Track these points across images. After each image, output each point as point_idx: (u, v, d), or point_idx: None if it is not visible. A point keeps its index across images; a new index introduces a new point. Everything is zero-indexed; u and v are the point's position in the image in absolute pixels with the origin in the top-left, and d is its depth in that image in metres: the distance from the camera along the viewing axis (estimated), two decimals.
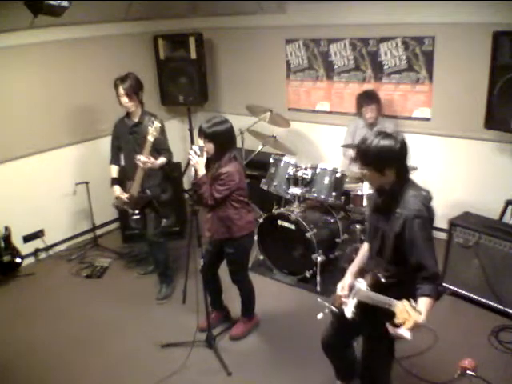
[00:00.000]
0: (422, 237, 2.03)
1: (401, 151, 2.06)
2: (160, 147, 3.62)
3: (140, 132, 3.59)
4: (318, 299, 2.29)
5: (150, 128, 3.35)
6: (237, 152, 3.08)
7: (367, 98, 4.23)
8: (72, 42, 4.58)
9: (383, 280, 2.16)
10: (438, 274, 2.05)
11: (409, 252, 2.05)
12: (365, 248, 2.42)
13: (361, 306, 2.18)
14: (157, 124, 3.34)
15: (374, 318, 2.10)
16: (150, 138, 3.38)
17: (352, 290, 2.25)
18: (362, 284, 2.21)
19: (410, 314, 1.83)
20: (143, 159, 3.44)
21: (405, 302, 1.87)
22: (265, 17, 5.11)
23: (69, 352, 3.34)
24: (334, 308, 2.31)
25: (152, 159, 3.50)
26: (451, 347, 3.15)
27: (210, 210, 3.12)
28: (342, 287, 2.31)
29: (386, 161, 2.05)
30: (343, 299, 2.27)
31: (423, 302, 1.95)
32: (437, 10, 4.05)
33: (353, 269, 2.38)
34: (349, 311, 2.20)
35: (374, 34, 4.50)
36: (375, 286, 2.16)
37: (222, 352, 3.20)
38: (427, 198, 2.12)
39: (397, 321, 1.86)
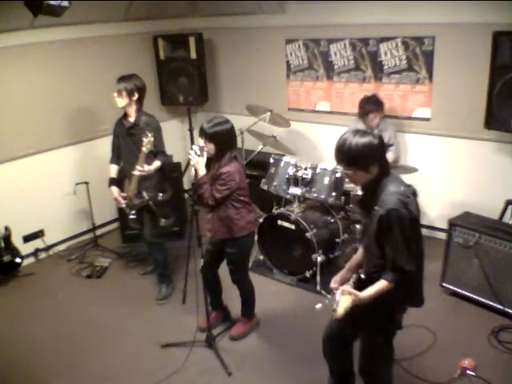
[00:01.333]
0: (396, 232, 2.04)
1: (380, 146, 2.11)
2: (156, 149, 3.63)
3: (136, 133, 3.60)
4: (322, 291, 2.29)
5: (144, 140, 3.38)
6: (237, 152, 3.08)
7: (374, 106, 4.14)
8: (72, 42, 4.58)
9: (363, 276, 2.21)
10: (405, 270, 2.05)
11: (385, 246, 2.09)
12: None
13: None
14: (150, 138, 3.37)
15: (368, 312, 2.13)
16: (144, 150, 3.41)
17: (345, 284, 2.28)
18: (352, 279, 2.25)
19: (339, 304, 2.01)
20: (138, 169, 3.49)
21: (346, 297, 2.02)
22: (265, 17, 5.11)
23: (69, 352, 3.34)
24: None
25: (147, 168, 3.53)
26: (451, 347, 3.15)
27: (211, 210, 3.12)
28: (334, 280, 2.35)
29: (369, 158, 2.08)
30: (335, 291, 2.30)
31: (378, 283, 2.08)
32: (437, 9, 4.04)
33: (350, 264, 2.41)
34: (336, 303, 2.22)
35: (373, 34, 4.49)
36: (359, 282, 2.20)
37: (222, 352, 3.20)
38: (406, 194, 2.10)
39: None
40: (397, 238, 2.04)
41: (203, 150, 2.97)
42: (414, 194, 2.17)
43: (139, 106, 3.67)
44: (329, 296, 2.38)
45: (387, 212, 2.03)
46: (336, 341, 2.49)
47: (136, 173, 3.51)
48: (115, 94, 3.57)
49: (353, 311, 2.06)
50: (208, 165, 3.04)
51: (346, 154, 2.09)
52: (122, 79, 3.57)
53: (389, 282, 2.06)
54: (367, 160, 2.08)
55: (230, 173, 2.96)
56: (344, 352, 2.53)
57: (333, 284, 2.34)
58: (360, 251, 2.44)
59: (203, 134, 2.96)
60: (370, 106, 4.16)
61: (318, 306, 2.29)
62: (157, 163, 3.64)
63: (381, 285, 2.08)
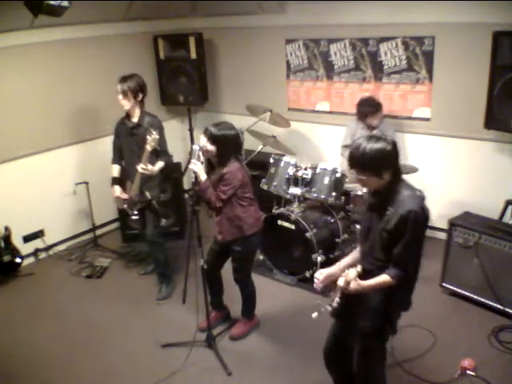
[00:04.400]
0: (411, 234, 2.07)
1: (394, 152, 2.11)
2: (158, 149, 3.63)
3: (139, 134, 3.59)
4: (318, 301, 2.29)
5: (148, 138, 3.37)
6: (240, 155, 3.11)
7: (372, 108, 4.12)
8: (72, 42, 4.58)
9: (359, 268, 2.20)
10: (406, 269, 2.11)
11: (395, 245, 2.11)
12: (358, 250, 2.45)
13: (350, 302, 2.19)
14: (155, 136, 3.36)
15: (367, 317, 2.14)
16: (148, 148, 3.41)
17: (337, 283, 2.25)
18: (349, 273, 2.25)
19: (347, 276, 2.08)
20: (142, 167, 3.48)
21: (351, 269, 2.09)
22: (265, 17, 5.11)
23: (69, 352, 3.34)
24: (329, 307, 2.31)
25: (150, 167, 3.52)
26: (451, 347, 3.15)
27: (218, 212, 3.13)
28: (320, 272, 2.34)
29: (382, 164, 2.08)
30: (327, 289, 2.33)
31: (380, 276, 2.13)
32: (437, 10, 4.04)
33: (341, 263, 2.41)
34: (335, 302, 2.21)
35: (374, 33, 4.49)
36: (360, 276, 2.19)
37: (222, 352, 3.20)
38: (421, 198, 2.15)
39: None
40: (409, 237, 2.07)
41: (203, 150, 2.99)
42: (424, 199, 2.20)
43: (142, 105, 3.67)
44: (324, 306, 2.37)
45: (409, 212, 2.05)
46: (339, 351, 2.49)
47: (139, 170, 3.50)
48: (120, 97, 3.52)
49: (351, 316, 2.07)
50: (209, 169, 3.06)
51: (359, 160, 2.10)
52: (124, 80, 3.53)
53: (391, 278, 2.10)
54: (380, 166, 2.08)
55: (232, 172, 2.98)
56: (348, 361, 2.52)
57: (318, 275, 2.33)
58: (353, 255, 2.44)
59: (208, 135, 2.98)
60: (367, 108, 4.14)
61: (314, 314, 2.29)
62: (160, 163, 3.64)
63: (382, 278, 2.12)
